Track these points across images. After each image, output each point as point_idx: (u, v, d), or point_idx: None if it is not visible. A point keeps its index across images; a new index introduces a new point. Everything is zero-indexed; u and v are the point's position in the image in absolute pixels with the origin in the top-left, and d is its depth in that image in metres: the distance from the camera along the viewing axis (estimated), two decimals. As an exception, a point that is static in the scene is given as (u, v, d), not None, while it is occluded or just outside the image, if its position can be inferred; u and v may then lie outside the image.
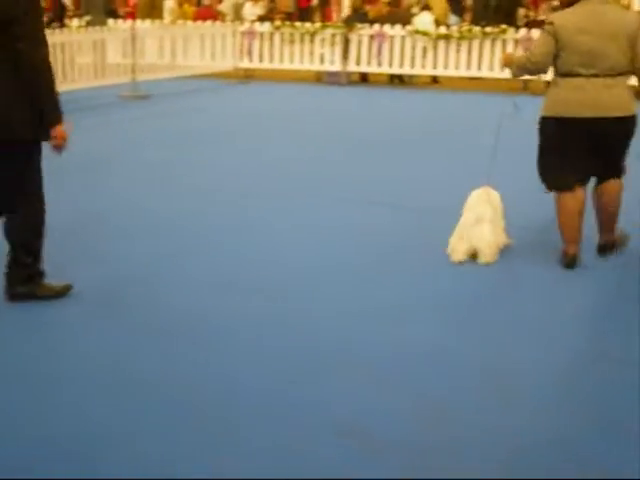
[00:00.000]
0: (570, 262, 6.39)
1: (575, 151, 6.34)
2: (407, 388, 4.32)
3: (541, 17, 19.98)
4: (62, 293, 5.46)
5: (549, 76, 6.63)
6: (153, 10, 22.93)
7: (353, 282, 5.98)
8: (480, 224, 6.48)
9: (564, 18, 6.27)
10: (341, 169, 9.81)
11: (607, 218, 6.63)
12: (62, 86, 14.43)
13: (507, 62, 6.69)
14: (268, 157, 10.43)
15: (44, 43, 4.93)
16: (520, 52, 17.25)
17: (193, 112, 14.44)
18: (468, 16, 22.91)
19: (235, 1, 22.00)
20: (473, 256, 6.48)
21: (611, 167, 6.50)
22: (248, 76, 19.79)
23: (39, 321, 5.16)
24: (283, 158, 10.38)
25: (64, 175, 8.47)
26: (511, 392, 4.33)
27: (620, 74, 6.22)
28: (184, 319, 5.20)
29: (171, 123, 13.16)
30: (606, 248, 6.67)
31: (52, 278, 5.49)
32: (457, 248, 6.49)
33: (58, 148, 5.07)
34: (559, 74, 6.35)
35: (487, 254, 6.45)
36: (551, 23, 6.27)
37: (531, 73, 6.64)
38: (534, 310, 5.52)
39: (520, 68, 6.52)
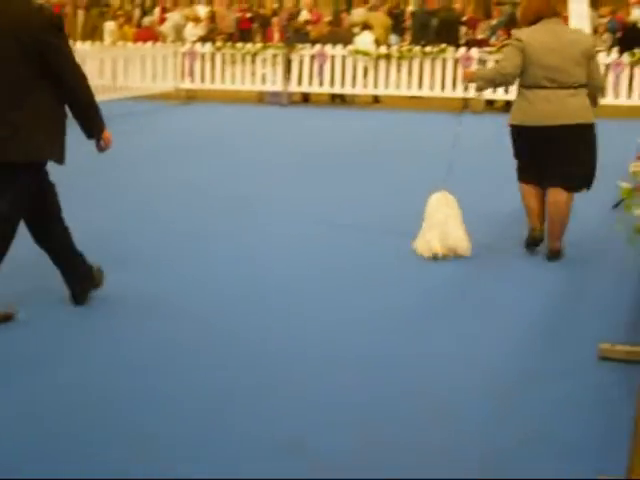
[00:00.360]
0: (534, 238, 7.06)
1: (534, 156, 7.01)
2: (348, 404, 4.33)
3: (480, 36, 20.25)
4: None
5: (489, 95, 7.21)
6: (94, 32, 22.84)
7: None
8: (451, 222, 6.97)
9: (530, 36, 6.90)
10: (279, 188, 9.82)
11: (552, 227, 7.01)
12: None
13: (471, 77, 7.26)
14: (198, 178, 10.43)
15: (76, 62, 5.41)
16: (472, 69, 17.49)
17: (131, 134, 14.34)
18: (408, 36, 23.17)
19: (176, 22, 21.95)
20: (448, 252, 6.97)
21: (564, 176, 6.90)
22: (190, 97, 19.73)
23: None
24: (213, 179, 10.39)
25: None
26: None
27: (581, 86, 6.85)
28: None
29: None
30: (551, 256, 6.99)
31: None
32: (435, 243, 6.91)
33: (104, 149, 5.64)
34: (525, 86, 6.94)
35: (465, 248, 7.00)
36: (519, 40, 6.90)
37: (498, 85, 7.52)
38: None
39: (488, 81, 7.13)
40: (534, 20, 6.96)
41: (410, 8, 29.48)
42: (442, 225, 6.91)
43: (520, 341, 5.33)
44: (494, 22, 22.69)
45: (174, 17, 22.51)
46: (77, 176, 8.55)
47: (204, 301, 5.95)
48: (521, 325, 5.59)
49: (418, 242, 7.05)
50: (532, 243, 7.05)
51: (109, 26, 22.89)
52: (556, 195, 6.90)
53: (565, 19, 21.26)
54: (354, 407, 4.30)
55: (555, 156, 6.85)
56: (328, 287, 6.30)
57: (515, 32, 7.30)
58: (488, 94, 17.86)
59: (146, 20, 23.37)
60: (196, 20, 23.44)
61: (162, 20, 26.47)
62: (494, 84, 7.33)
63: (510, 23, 22.67)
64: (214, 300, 5.97)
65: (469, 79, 7.26)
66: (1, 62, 5.10)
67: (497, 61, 8.89)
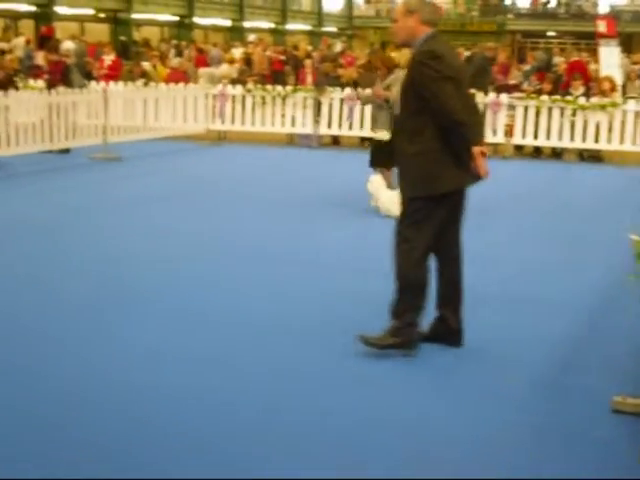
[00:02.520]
0: None
1: None
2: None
3: (512, 81, 20.24)
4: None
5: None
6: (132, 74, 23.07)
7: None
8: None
9: None
10: (307, 235, 9.82)
11: None
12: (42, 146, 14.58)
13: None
14: (225, 219, 10.46)
15: None
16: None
17: (161, 174, 14.45)
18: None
19: (211, 74, 22.16)
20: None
21: None
22: (221, 138, 19.85)
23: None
24: (238, 219, 10.42)
25: (24, 235, 8.43)
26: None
27: None
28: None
29: (133, 186, 13.14)
30: None
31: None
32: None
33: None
34: None
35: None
36: None
37: None
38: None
39: None
40: None
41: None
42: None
43: (529, 394, 5.27)
44: (527, 68, 22.72)
45: (207, 71, 22.77)
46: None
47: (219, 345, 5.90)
48: (527, 377, 5.54)
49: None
50: None
51: (145, 66, 23.09)
52: None
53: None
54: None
55: None
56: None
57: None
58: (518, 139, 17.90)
59: (175, 61, 23.53)
60: (231, 62, 23.68)
61: (198, 60, 26.72)
62: None
63: (545, 69, 22.73)
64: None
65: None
66: None
67: None
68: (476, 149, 5.65)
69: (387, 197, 10.75)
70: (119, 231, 9.72)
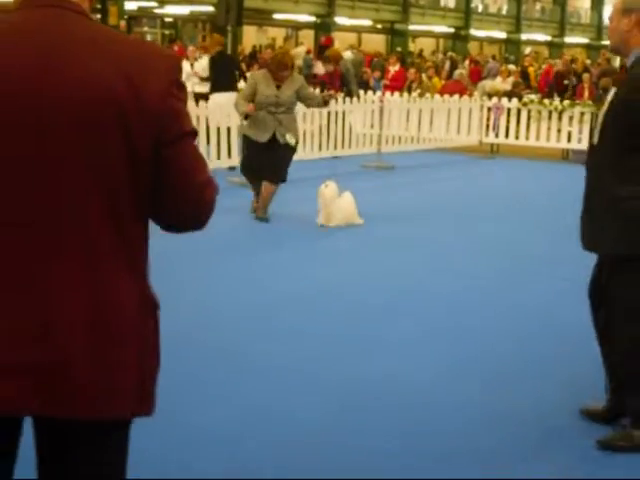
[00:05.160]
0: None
1: None
2: None
3: None
4: None
5: None
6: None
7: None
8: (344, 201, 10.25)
9: None
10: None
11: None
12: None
13: None
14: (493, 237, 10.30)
15: None
16: None
17: (433, 184, 14.48)
18: None
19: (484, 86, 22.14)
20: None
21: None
22: (493, 151, 19.67)
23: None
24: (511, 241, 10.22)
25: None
26: None
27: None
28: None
29: (407, 196, 13.22)
30: None
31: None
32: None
33: None
34: None
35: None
36: None
37: None
38: None
39: None
40: None
41: None
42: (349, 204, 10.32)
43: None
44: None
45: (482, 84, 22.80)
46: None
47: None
48: None
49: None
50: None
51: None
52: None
53: None
54: None
55: None
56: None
57: None
58: None
59: (456, 73, 23.59)
60: (507, 75, 23.53)
61: (472, 72, 26.70)
62: None
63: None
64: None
65: None
66: None
67: None
68: None
69: None
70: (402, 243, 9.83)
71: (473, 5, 50.95)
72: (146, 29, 42.90)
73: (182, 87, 2.32)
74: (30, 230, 2.21)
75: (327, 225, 10.16)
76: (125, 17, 38.44)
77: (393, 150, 17.25)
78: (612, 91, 4.69)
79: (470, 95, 20.18)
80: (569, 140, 18.86)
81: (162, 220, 2.38)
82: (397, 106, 18.38)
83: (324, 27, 42.10)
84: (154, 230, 2.38)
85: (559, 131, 18.90)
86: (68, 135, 2.19)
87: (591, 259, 4.84)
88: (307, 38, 42.75)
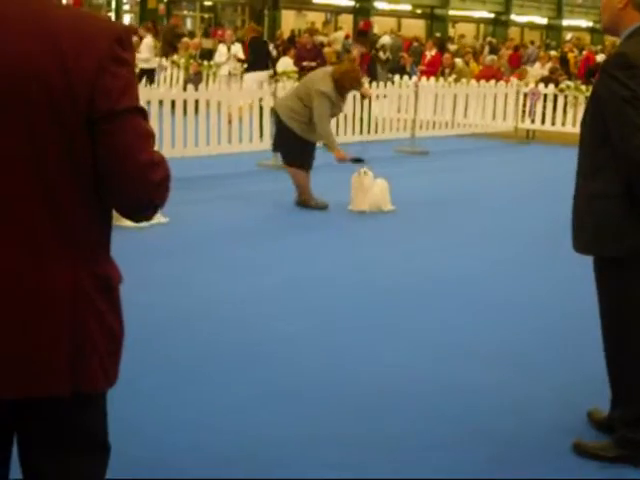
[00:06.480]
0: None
1: None
2: None
3: None
4: None
5: None
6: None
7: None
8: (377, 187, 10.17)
9: None
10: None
11: None
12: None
13: None
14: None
15: None
16: None
17: (468, 170, 14.40)
18: None
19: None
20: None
21: None
22: (529, 137, 19.52)
23: None
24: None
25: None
26: None
27: None
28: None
29: (441, 181, 13.15)
30: None
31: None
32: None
33: None
34: None
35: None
36: None
37: None
38: None
39: None
40: None
41: None
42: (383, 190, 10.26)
43: None
44: None
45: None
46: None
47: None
48: None
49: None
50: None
51: (457, 63, 23.16)
52: None
53: None
54: None
55: None
56: None
57: None
58: None
59: (489, 59, 23.44)
60: (543, 59, 23.33)
61: (511, 58, 26.48)
62: None
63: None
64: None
65: None
66: None
67: None
68: None
69: None
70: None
71: (514, -10, 50.55)
72: (185, 12, 42.97)
73: (122, 61, 2.21)
74: None
75: (359, 210, 10.10)
76: (164, 0, 38.64)
77: (427, 135, 17.16)
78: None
79: (507, 81, 20.01)
80: (606, 127, 18.64)
81: (112, 204, 2.30)
82: (432, 91, 18.28)
83: (363, 12, 41.98)
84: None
85: (596, 118, 18.69)
86: None
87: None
88: (346, 22, 42.63)
